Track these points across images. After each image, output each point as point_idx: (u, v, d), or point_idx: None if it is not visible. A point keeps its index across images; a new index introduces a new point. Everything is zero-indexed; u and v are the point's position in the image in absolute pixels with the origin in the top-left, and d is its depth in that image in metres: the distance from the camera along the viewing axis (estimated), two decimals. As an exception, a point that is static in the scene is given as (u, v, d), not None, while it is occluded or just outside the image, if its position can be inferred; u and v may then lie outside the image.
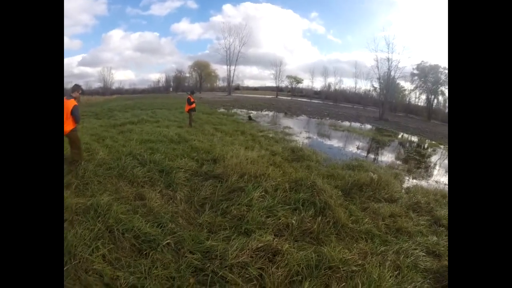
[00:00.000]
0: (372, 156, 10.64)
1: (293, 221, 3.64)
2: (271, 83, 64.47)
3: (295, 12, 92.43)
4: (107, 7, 76.32)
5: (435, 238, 3.70)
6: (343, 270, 2.76)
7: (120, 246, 3.03)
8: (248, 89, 67.11)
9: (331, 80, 60.19)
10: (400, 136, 18.06)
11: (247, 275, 2.65)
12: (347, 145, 12.31)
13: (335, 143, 12.36)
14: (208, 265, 2.72)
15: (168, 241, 3.06)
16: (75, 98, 5.33)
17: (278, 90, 61.40)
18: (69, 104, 5.15)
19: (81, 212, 3.57)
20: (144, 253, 2.93)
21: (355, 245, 3.36)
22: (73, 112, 5.15)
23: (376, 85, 37.98)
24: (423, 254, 3.32)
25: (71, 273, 2.56)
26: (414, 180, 7.39)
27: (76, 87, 5.43)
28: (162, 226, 3.41)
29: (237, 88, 63.57)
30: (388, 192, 5.18)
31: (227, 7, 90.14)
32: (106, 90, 54.86)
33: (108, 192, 4.22)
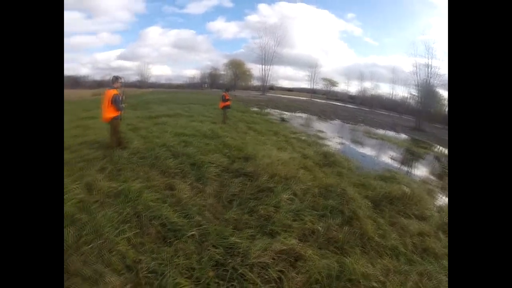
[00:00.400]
0: (405, 168, 10.16)
1: (320, 228, 3.55)
2: (305, 85, 63.74)
3: (331, 13, 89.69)
4: (145, 5, 79.73)
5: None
6: (363, 285, 2.66)
7: (146, 232, 3.13)
8: (282, 89, 66.68)
9: (367, 84, 58.26)
10: (436, 149, 17.08)
11: (266, 276, 2.62)
12: (380, 154, 11.84)
13: (368, 151, 11.93)
14: (229, 261, 2.74)
15: (193, 232, 3.12)
16: (116, 88, 5.69)
17: (312, 92, 60.60)
18: (109, 93, 5.57)
19: (112, 195, 3.75)
20: (169, 241, 3.01)
21: (379, 260, 3.20)
22: (113, 101, 5.53)
23: (414, 92, 35.85)
24: (447, 279, 3.10)
25: (95, 251, 2.70)
26: (448, 199, 6.94)
27: (115, 78, 5.84)
28: (189, 217, 3.48)
29: (271, 88, 63.41)
30: (419, 208, 4.89)
31: (262, 7, 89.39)
32: (143, 84, 57.05)
33: (140, 180, 4.38)
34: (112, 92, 5.65)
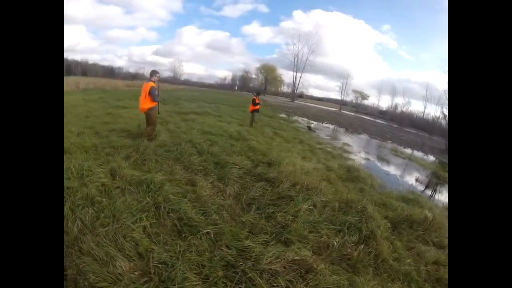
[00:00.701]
0: (430, 192, 9.75)
1: (335, 243, 3.47)
2: (335, 96, 63.25)
3: (366, 23, 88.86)
4: (182, 5, 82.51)
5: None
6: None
7: (162, 223, 3.20)
8: (312, 98, 66.57)
9: (399, 100, 56.74)
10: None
11: (274, 284, 2.59)
12: (405, 174, 11.45)
13: (392, 169, 11.57)
14: (240, 263, 2.73)
15: (208, 230, 3.14)
16: (153, 82, 6.08)
17: (342, 103, 59.75)
18: (147, 86, 6.08)
19: (134, 184, 3.85)
20: (183, 235, 3.05)
21: (390, 284, 3.11)
22: (150, 93, 6.03)
23: (447, 112, 33.99)
24: None
25: (110, 234, 2.77)
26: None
27: (153, 73, 6.30)
28: (206, 215, 3.51)
29: (301, 95, 63.26)
30: (439, 236, 4.66)
31: (297, 13, 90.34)
32: (175, 80, 58.84)
33: (163, 172, 4.50)
34: (150, 84, 6.05)
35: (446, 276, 3.60)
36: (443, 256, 4.10)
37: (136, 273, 2.46)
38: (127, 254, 2.62)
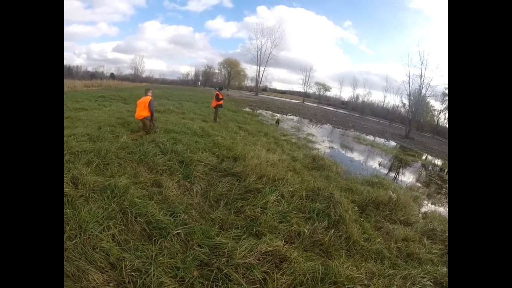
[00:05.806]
0: (393, 174, 10.32)
1: (306, 230, 3.57)
2: (298, 88, 64.54)
3: (328, 19, 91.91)
4: None
5: (445, 270, 3.44)
6: (347, 288, 2.67)
7: (131, 229, 3.09)
8: (275, 91, 67.44)
9: (360, 91, 59.30)
10: (424, 157, 17.40)
11: (251, 277, 2.62)
12: (368, 160, 12.01)
13: (356, 156, 12.09)
14: (214, 261, 2.71)
15: (178, 231, 3.08)
16: (150, 95, 7.52)
17: (305, 95, 61.09)
18: (146, 98, 7.37)
19: (98, 191, 3.66)
20: (154, 239, 2.97)
21: (363, 263, 3.25)
22: (150, 104, 7.28)
23: (406, 101, 36.23)
24: (430, 284, 3.12)
25: (78, 247, 2.63)
26: (433, 206, 7.07)
27: (147, 90, 7.78)
28: (175, 215, 3.44)
29: (265, 89, 63.79)
30: (405, 214, 4.98)
31: (261, 9, 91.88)
32: (136, 77, 56.61)
33: (127, 175, 4.32)
34: (149, 98, 7.37)
35: (417, 250, 3.85)
36: (411, 232, 4.38)
37: (111, 284, 2.37)
38: (99, 266, 2.50)
